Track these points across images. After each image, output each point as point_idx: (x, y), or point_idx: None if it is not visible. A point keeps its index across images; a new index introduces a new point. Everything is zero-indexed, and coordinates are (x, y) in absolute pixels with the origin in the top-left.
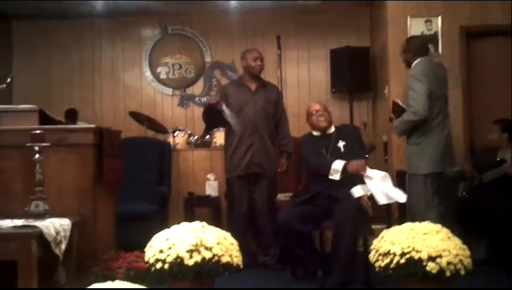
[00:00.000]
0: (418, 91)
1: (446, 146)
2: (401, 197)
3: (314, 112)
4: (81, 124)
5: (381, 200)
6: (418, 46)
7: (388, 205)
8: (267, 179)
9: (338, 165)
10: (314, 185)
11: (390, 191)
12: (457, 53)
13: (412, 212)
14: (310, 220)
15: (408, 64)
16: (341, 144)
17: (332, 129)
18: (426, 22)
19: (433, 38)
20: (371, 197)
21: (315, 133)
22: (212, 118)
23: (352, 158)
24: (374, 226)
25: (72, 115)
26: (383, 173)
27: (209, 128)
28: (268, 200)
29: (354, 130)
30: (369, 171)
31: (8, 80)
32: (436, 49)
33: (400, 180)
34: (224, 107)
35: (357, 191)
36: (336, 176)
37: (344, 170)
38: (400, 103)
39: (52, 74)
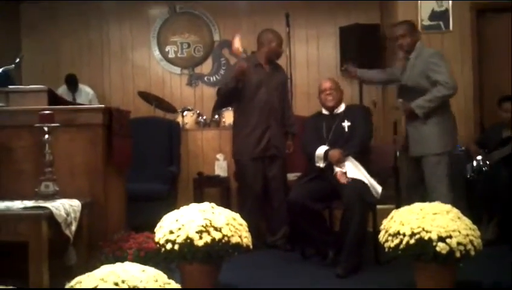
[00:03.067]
0: (446, 66)
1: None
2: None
3: (323, 90)
4: (83, 87)
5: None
6: (418, 30)
7: (397, 185)
8: (281, 159)
9: (320, 151)
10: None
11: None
12: (467, 30)
13: (433, 192)
14: (320, 197)
15: (410, 47)
16: (346, 124)
17: (342, 108)
18: None
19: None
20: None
21: (324, 111)
22: (230, 99)
23: (354, 139)
24: (383, 207)
25: (72, 80)
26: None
27: (219, 108)
28: (282, 180)
29: (362, 110)
30: (348, 166)
31: (17, 60)
32: (447, 26)
33: None
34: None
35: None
36: (320, 163)
37: (326, 157)
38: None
39: (61, 54)
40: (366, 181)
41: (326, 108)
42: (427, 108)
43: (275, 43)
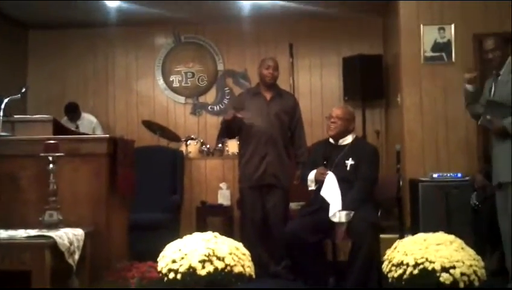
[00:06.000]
0: None
1: None
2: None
3: (329, 117)
4: (86, 115)
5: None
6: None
7: (400, 215)
8: (280, 189)
9: (311, 175)
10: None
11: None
12: (470, 61)
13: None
14: (319, 229)
15: (501, 61)
16: (350, 162)
17: (348, 140)
18: (439, 29)
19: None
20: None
21: (330, 139)
22: (231, 131)
23: (357, 182)
24: (386, 236)
25: (71, 109)
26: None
27: (223, 137)
28: (281, 211)
29: (370, 151)
30: (330, 178)
31: (23, 90)
32: (450, 57)
33: (413, 190)
34: (239, 114)
35: (341, 216)
36: (312, 186)
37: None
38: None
39: (67, 82)
40: (338, 200)
41: (329, 136)
42: None
43: (263, 66)
